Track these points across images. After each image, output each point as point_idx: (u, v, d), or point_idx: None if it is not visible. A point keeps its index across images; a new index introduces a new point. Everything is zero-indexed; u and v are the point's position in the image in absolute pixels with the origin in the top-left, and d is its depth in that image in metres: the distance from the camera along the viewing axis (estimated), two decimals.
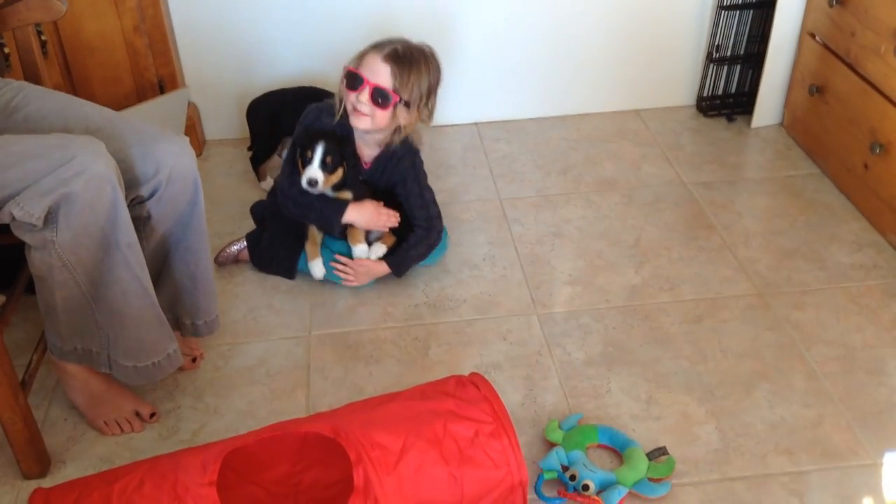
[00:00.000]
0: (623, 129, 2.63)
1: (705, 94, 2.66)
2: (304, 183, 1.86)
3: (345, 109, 1.89)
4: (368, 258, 1.98)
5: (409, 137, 1.95)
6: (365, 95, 1.82)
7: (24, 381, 1.54)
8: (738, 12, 2.51)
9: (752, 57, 2.58)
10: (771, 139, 2.56)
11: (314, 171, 1.85)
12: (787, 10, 2.39)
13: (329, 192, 1.93)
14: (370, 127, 1.86)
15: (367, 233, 2.00)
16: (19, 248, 1.46)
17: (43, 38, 2.06)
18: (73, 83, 2.21)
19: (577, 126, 2.65)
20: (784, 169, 2.42)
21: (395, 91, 1.82)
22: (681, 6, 2.55)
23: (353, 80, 1.84)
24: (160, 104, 2.28)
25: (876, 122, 2.11)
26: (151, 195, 1.54)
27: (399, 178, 1.98)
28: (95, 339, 1.55)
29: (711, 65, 2.60)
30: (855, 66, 2.19)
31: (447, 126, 2.66)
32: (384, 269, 1.98)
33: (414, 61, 1.83)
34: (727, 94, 2.66)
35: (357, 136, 1.94)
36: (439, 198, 2.30)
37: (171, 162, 1.53)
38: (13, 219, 1.37)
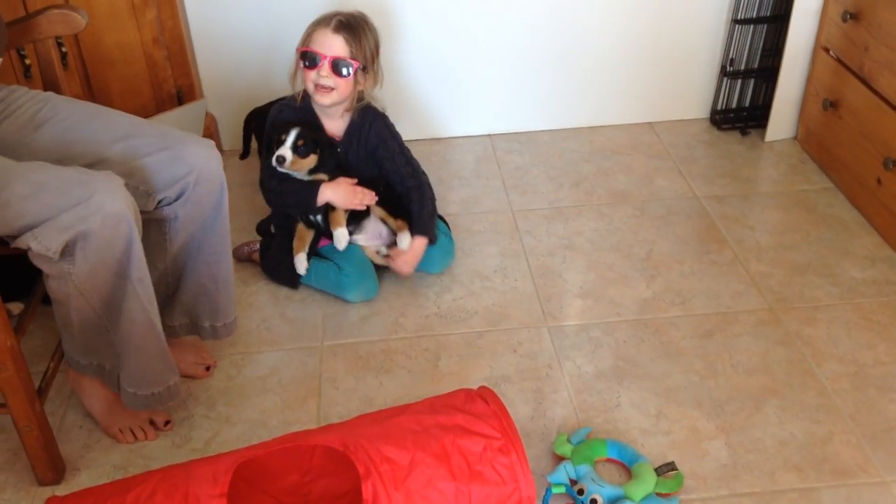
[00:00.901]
0: (636, 142, 2.64)
1: (719, 108, 2.66)
2: (273, 161, 1.90)
3: (305, 93, 1.96)
4: (401, 249, 2.00)
5: (371, 102, 2.02)
6: (325, 69, 1.89)
7: (40, 388, 1.57)
8: (752, 26, 2.51)
9: (766, 71, 2.58)
10: (784, 153, 2.56)
11: (283, 149, 1.90)
12: (800, 24, 2.39)
13: (304, 177, 1.97)
14: (336, 99, 1.94)
15: (351, 221, 2.01)
16: None
17: (63, 49, 2.09)
18: (93, 94, 2.24)
19: (590, 138, 2.66)
20: (797, 183, 2.42)
21: (353, 57, 1.90)
22: (695, 19, 2.55)
23: (310, 58, 1.90)
24: (178, 115, 2.31)
25: (889, 138, 2.11)
26: (179, 196, 1.57)
27: (378, 141, 2.03)
28: (109, 357, 1.58)
29: (725, 78, 2.60)
30: (868, 82, 2.19)
31: (460, 137, 2.68)
32: (422, 242, 2.00)
33: (358, 26, 1.92)
34: (741, 107, 2.66)
35: (321, 114, 2.00)
36: (451, 209, 2.33)
37: (199, 164, 1.56)
38: (30, 249, 1.40)
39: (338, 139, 2.02)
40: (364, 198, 1.97)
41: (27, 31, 1.68)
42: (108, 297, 1.49)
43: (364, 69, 1.94)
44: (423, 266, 2.08)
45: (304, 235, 2.03)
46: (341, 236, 1.97)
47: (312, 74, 1.91)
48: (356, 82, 1.94)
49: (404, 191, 2.04)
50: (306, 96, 1.98)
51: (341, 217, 1.98)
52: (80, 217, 1.38)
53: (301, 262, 2.00)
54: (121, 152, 1.53)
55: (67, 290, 1.46)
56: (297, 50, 1.93)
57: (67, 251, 1.41)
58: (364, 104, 2.01)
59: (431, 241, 2.02)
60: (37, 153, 1.53)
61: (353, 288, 2.00)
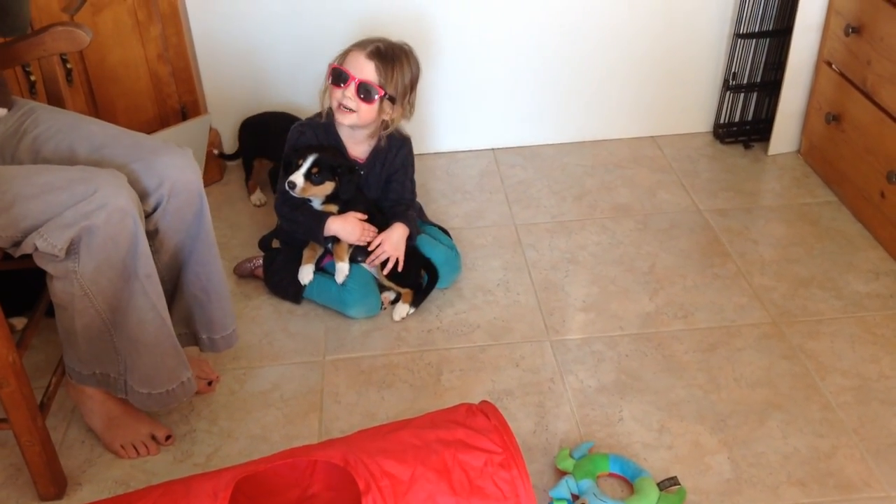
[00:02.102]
0: (639, 156, 2.64)
1: (722, 121, 2.67)
2: (285, 185, 1.91)
3: (330, 111, 1.96)
4: (393, 317, 2.02)
5: (398, 129, 2.03)
6: (351, 90, 1.89)
7: (42, 403, 1.57)
8: (754, 40, 2.52)
9: (769, 84, 2.58)
10: (788, 166, 2.56)
11: (296, 175, 1.90)
12: (803, 38, 2.40)
13: (317, 205, 1.98)
14: (356, 122, 1.93)
15: (354, 252, 2.02)
16: (39, 272, 1.50)
17: (68, 66, 2.10)
18: (98, 111, 2.25)
19: (593, 152, 2.66)
20: (800, 196, 2.42)
21: (381, 85, 1.89)
22: (697, 34, 2.56)
23: (339, 76, 1.90)
24: (183, 130, 2.32)
25: (892, 151, 2.10)
26: (155, 209, 1.57)
27: (399, 165, 2.05)
28: (113, 365, 1.58)
29: (728, 92, 2.60)
30: (871, 95, 2.19)
31: (464, 151, 2.68)
32: (402, 231, 2.00)
33: (396, 57, 1.91)
34: (744, 121, 2.66)
35: (345, 136, 2.00)
36: (454, 223, 2.34)
37: (172, 175, 1.55)
38: (36, 249, 1.41)
39: (361, 161, 2.03)
40: (370, 234, 1.99)
41: (32, 47, 1.69)
42: (113, 298, 1.49)
43: (392, 100, 1.92)
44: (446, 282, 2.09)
45: (315, 247, 2.04)
46: (341, 270, 1.98)
47: (338, 93, 1.91)
48: (381, 111, 1.93)
49: (396, 207, 2.05)
50: (330, 114, 1.97)
51: (344, 252, 1.99)
52: (85, 213, 1.39)
53: (306, 273, 2.01)
54: (95, 164, 1.52)
55: (72, 292, 1.46)
56: (330, 66, 1.93)
57: (73, 249, 1.42)
58: (390, 132, 2.00)
59: (412, 234, 2.03)
60: (19, 164, 1.55)
61: (355, 304, 2.00)
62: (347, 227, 1.97)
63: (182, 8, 2.31)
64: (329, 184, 1.94)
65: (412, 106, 2.00)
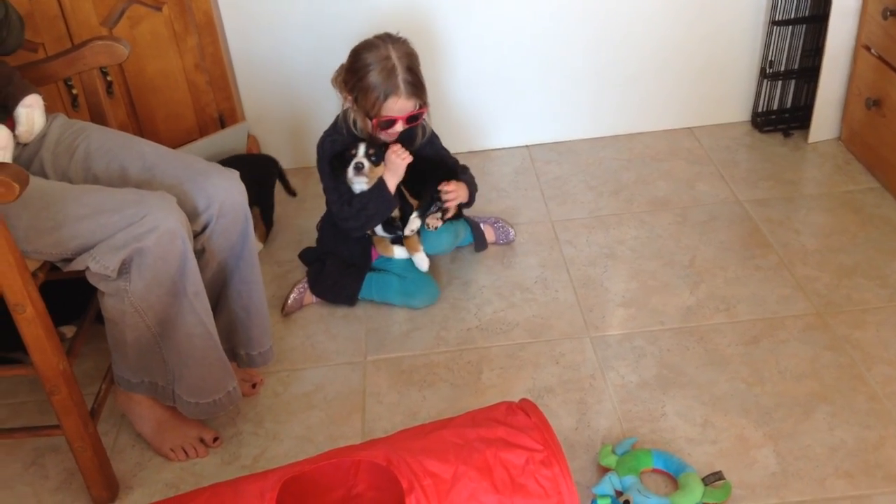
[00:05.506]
0: (676, 148, 2.62)
1: (760, 110, 2.63)
2: (350, 170, 1.93)
3: (354, 124, 2.00)
4: (409, 232, 2.03)
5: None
6: (399, 125, 1.96)
7: (93, 409, 1.61)
8: (790, 27, 2.48)
9: (807, 71, 2.54)
10: (829, 154, 2.52)
11: (359, 158, 1.94)
12: (840, 23, 2.36)
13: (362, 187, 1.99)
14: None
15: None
16: (87, 281, 1.53)
17: (108, 78, 2.15)
18: (139, 121, 2.30)
19: (628, 145, 2.65)
20: (843, 184, 2.38)
21: (422, 105, 1.96)
22: (732, 22, 2.53)
23: (389, 124, 1.95)
24: (221, 138, 2.36)
25: None
26: (203, 229, 1.61)
27: (425, 140, 2.08)
28: (162, 374, 1.62)
29: (765, 80, 2.57)
30: None
31: (498, 149, 2.68)
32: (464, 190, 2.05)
33: (419, 73, 1.95)
34: (783, 108, 2.63)
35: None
36: None
37: (220, 197, 1.59)
38: (88, 269, 1.45)
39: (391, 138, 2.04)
40: (404, 152, 1.98)
41: (73, 62, 1.74)
42: (162, 314, 1.53)
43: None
44: (433, 248, 2.08)
45: (386, 245, 2.06)
46: (421, 261, 2.03)
47: (387, 132, 1.97)
48: None
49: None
50: (355, 127, 2.01)
51: (417, 243, 2.03)
52: (136, 235, 1.43)
53: (402, 251, 2.05)
54: (145, 183, 1.57)
55: (123, 308, 1.50)
56: (374, 120, 1.93)
57: (124, 269, 1.46)
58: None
59: (469, 199, 2.07)
60: (71, 182, 1.59)
61: (419, 293, 2.05)
62: (394, 167, 1.96)
63: (217, 17, 2.34)
64: (382, 165, 1.96)
65: None
